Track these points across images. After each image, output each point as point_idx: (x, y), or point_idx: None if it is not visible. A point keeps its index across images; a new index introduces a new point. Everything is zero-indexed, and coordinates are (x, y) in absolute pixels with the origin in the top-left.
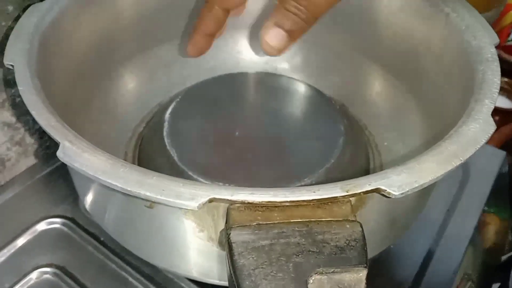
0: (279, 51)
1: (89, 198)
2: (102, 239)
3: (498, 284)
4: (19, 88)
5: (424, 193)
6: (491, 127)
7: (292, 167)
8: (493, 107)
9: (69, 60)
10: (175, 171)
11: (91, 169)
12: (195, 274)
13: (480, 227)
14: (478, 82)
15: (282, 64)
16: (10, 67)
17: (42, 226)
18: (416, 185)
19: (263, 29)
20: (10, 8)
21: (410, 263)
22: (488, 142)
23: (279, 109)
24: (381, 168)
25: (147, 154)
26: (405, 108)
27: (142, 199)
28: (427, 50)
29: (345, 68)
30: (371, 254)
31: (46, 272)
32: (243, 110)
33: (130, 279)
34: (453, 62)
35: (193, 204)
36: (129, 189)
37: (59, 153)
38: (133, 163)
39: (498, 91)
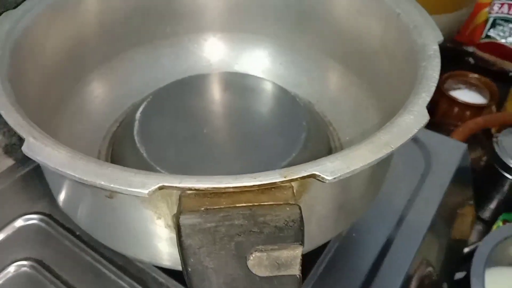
0: None
1: (61, 196)
2: (77, 233)
3: (463, 273)
4: None
5: (372, 181)
6: (424, 118)
7: (256, 162)
8: (429, 99)
9: (42, 65)
10: (144, 167)
11: (52, 162)
12: (161, 261)
13: (452, 218)
14: (419, 77)
15: (252, 65)
16: None
17: (20, 222)
18: (348, 171)
19: None
20: None
21: (369, 250)
22: (453, 136)
23: (246, 107)
24: None
25: (119, 152)
26: (365, 105)
27: (97, 187)
28: (383, 49)
29: (311, 68)
30: (323, 239)
31: (23, 265)
32: (211, 109)
33: (104, 270)
34: (404, 60)
35: (144, 191)
36: (85, 178)
37: (24, 148)
38: (106, 160)
39: (435, 85)
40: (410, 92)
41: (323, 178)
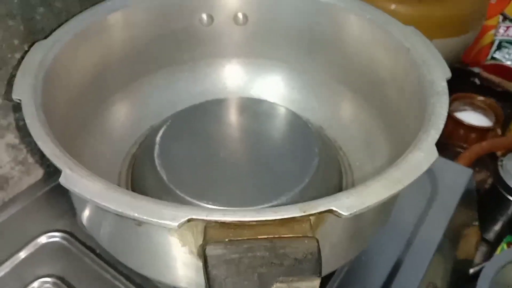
0: None
1: (85, 215)
2: (98, 251)
3: None
4: (27, 121)
5: (383, 211)
6: (433, 155)
7: (270, 186)
8: (437, 137)
9: (69, 90)
10: (164, 189)
11: (88, 193)
12: (180, 284)
13: (458, 239)
14: (428, 113)
15: (266, 89)
16: (18, 101)
17: (43, 239)
18: (363, 207)
19: None
20: (16, 41)
21: (379, 272)
22: (459, 160)
23: (261, 132)
24: (353, 185)
25: (139, 173)
26: (374, 132)
27: (132, 219)
28: (392, 80)
29: (323, 94)
30: (336, 265)
31: (46, 282)
32: (227, 133)
33: (123, 287)
34: (413, 94)
35: (174, 224)
36: (120, 210)
37: (61, 180)
38: (127, 182)
39: (444, 122)
40: (418, 124)
41: (339, 213)
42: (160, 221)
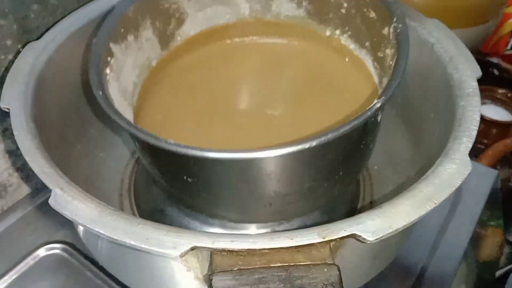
0: None
1: (81, 230)
2: (100, 264)
3: None
4: (15, 133)
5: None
6: (467, 167)
7: None
8: (471, 145)
9: (64, 94)
10: None
11: (80, 218)
12: None
13: (476, 240)
14: (458, 117)
15: None
16: (7, 110)
17: (42, 251)
18: (390, 230)
19: None
20: (9, 42)
21: (402, 283)
22: (482, 160)
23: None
24: (371, 188)
25: (143, 180)
26: (394, 132)
27: (127, 247)
28: (414, 76)
29: None
30: (356, 285)
31: None
32: None
33: None
34: (438, 93)
35: (175, 253)
36: (115, 237)
37: (50, 201)
38: (129, 189)
39: (477, 128)
40: (444, 128)
41: (364, 239)
42: (160, 250)
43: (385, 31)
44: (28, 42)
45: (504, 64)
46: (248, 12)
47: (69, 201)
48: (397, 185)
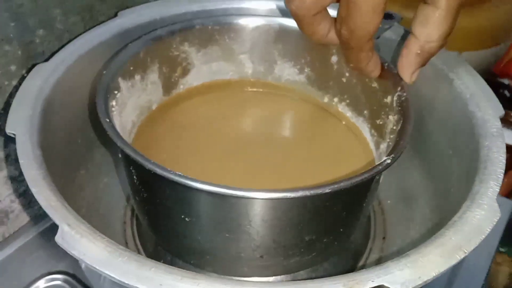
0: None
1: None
2: None
3: None
4: (20, 161)
5: None
6: (496, 214)
7: None
8: (498, 190)
9: (70, 118)
10: None
11: (89, 258)
12: None
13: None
14: (483, 158)
15: None
16: (12, 136)
17: (42, 283)
18: (420, 282)
19: None
20: (13, 67)
21: None
22: None
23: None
24: (383, 224)
25: None
26: (408, 166)
27: None
28: (432, 111)
29: None
30: None
31: None
32: None
33: None
34: (457, 129)
35: None
36: (126, 282)
37: (57, 238)
38: (132, 216)
39: (503, 171)
40: (465, 167)
41: None
42: None
43: (388, 99)
44: (34, 65)
45: None
46: (251, 72)
47: (77, 239)
48: (411, 221)
